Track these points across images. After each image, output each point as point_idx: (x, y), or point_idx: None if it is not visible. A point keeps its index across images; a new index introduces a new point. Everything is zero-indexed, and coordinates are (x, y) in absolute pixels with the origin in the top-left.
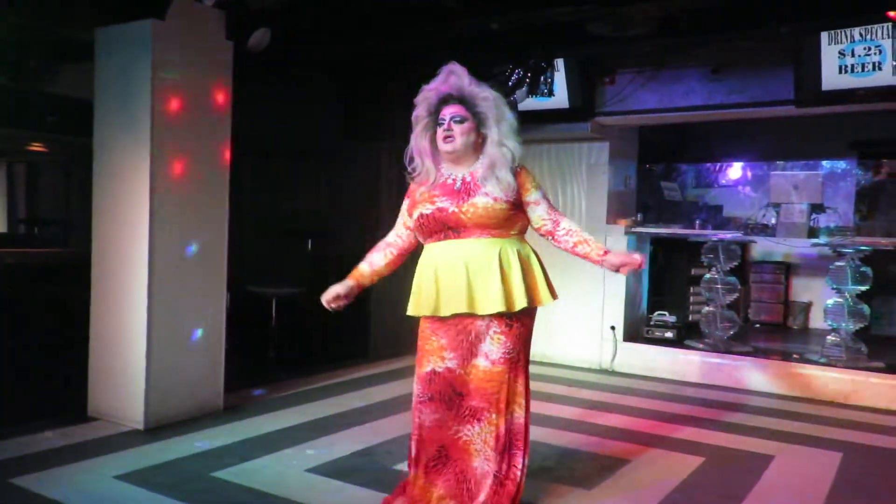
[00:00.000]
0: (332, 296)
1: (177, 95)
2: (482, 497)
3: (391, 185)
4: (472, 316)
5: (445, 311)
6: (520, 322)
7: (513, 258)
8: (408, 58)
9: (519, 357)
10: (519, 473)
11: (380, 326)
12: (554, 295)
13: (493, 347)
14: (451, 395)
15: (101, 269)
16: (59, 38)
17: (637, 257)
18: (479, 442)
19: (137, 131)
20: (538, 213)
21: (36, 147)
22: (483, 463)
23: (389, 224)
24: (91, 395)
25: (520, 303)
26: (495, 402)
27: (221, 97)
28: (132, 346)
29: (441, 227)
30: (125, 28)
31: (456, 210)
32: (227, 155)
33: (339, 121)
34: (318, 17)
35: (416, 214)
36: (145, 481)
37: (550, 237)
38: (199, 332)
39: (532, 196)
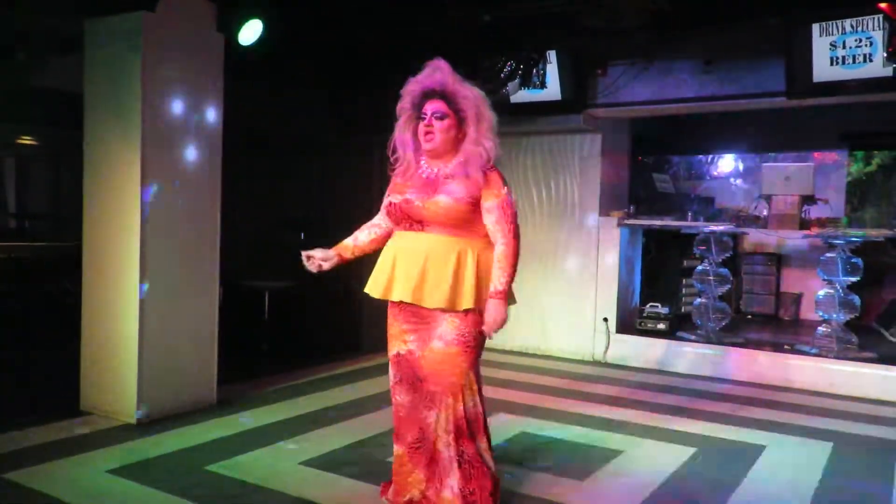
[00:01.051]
0: (308, 253)
1: (167, 88)
2: (450, 481)
3: (384, 178)
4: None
5: (395, 296)
6: (476, 313)
7: (470, 260)
8: (401, 50)
9: (474, 343)
10: (475, 456)
11: (372, 319)
12: (508, 302)
13: (448, 329)
14: (414, 379)
15: (92, 262)
16: (48, 30)
17: (490, 327)
18: (440, 429)
19: (128, 124)
20: (487, 221)
21: (25, 140)
22: (445, 448)
23: None
24: (83, 390)
25: (465, 304)
26: (450, 385)
27: (212, 89)
28: (124, 340)
29: (406, 217)
30: (115, 20)
31: (420, 205)
32: (219, 147)
33: (331, 113)
34: (309, 10)
35: (386, 202)
36: (138, 475)
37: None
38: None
39: (487, 203)
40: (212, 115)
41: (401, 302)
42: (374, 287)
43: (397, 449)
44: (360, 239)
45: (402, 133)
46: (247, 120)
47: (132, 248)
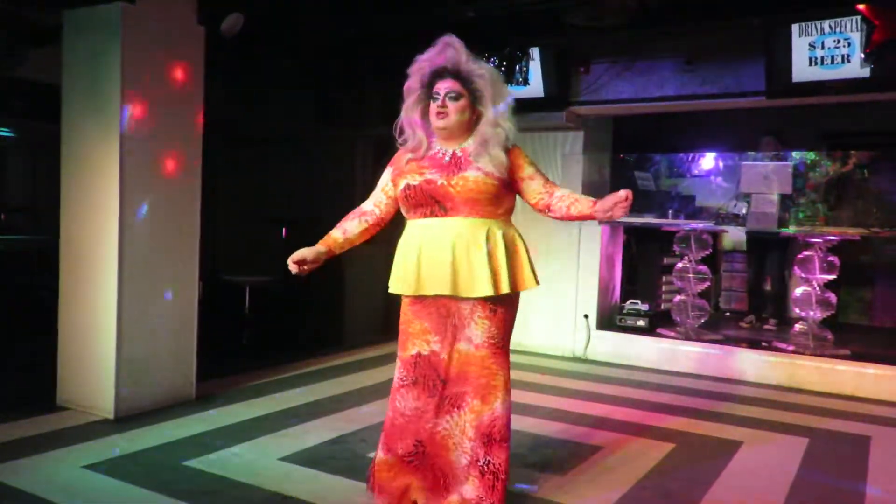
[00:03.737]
0: (298, 258)
1: (147, 80)
2: (464, 488)
3: (366, 172)
4: (454, 299)
5: (429, 291)
6: (504, 307)
7: (500, 240)
8: (383, 46)
9: (503, 343)
10: (501, 466)
11: (354, 314)
12: (537, 280)
13: (477, 332)
14: (434, 380)
15: (69, 256)
16: (26, 21)
17: (621, 193)
18: (458, 434)
19: (106, 117)
20: (534, 188)
21: (2, 132)
22: (460, 456)
23: None
24: (60, 384)
25: (504, 287)
26: (478, 387)
27: (193, 82)
28: (102, 335)
29: (428, 200)
30: (94, 11)
31: (445, 183)
32: (199, 141)
33: (313, 107)
34: (291, 3)
35: (402, 185)
36: (115, 471)
37: (547, 210)
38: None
39: (526, 172)
40: (192, 108)
41: (424, 297)
42: (401, 285)
43: (383, 456)
44: (349, 230)
45: (410, 114)
46: (228, 114)
47: (110, 242)
